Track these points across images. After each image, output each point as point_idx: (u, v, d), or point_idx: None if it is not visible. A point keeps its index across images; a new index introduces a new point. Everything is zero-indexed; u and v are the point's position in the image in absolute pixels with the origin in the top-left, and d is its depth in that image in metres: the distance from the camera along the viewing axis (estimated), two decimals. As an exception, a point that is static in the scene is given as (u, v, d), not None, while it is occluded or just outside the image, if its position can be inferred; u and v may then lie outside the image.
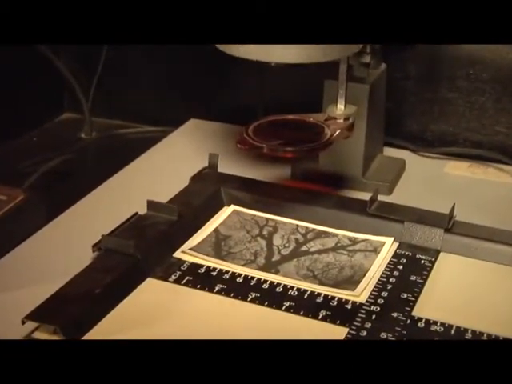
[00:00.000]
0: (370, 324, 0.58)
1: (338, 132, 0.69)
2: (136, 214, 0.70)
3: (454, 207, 0.69)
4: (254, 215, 0.73)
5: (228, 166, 0.80)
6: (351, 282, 0.63)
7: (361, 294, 0.62)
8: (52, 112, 1.04)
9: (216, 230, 0.71)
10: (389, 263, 0.66)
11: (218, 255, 0.67)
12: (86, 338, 0.56)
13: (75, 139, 0.98)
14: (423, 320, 0.58)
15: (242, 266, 0.65)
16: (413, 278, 0.64)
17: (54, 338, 0.55)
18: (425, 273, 0.64)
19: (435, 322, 0.58)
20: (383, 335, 0.57)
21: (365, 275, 0.64)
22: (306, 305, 0.60)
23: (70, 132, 0.99)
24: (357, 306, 0.60)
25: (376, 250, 0.67)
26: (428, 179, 0.82)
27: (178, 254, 0.67)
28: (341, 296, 0.61)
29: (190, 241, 0.69)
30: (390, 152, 0.86)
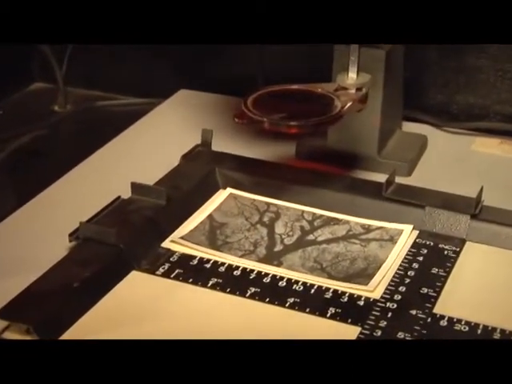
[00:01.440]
0: (385, 322, 0.59)
1: (349, 104, 0.70)
2: (119, 197, 0.71)
3: (481, 190, 0.70)
4: (254, 199, 0.74)
5: (224, 144, 0.80)
6: (364, 276, 0.64)
7: (375, 288, 0.62)
8: (20, 81, 1.04)
9: (210, 217, 0.71)
10: (407, 254, 0.66)
11: (213, 245, 0.67)
12: (62, 338, 0.57)
13: (48, 112, 0.98)
14: (446, 318, 0.59)
15: (240, 257, 0.66)
16: (434, 270, 0.64)
17: (27, 338, 0.56)
18: (448, 265, 0.65)
19: (459, 321, 0.59)
20: (400, 335, 0.57)
21: (380, 268, 0.65)
22: (312, 301, 0.61)
23: (42, 104, 1.00)
24: (370, 303, 0.61)
25: (393, 239, 0.68)
26: (453, 158, 0.83)
27: (166, 244, 0.68)
28: (352, 291, 0.62)
29: (180, 228, 0.69)
30: (409, 127, 0.87)
